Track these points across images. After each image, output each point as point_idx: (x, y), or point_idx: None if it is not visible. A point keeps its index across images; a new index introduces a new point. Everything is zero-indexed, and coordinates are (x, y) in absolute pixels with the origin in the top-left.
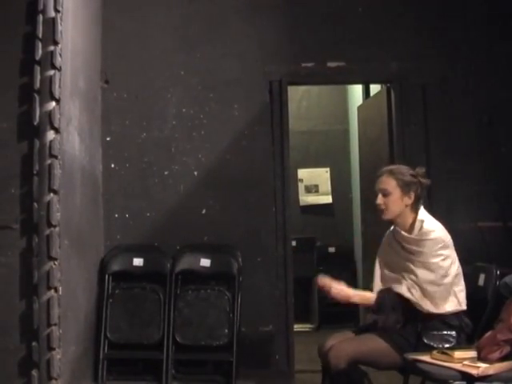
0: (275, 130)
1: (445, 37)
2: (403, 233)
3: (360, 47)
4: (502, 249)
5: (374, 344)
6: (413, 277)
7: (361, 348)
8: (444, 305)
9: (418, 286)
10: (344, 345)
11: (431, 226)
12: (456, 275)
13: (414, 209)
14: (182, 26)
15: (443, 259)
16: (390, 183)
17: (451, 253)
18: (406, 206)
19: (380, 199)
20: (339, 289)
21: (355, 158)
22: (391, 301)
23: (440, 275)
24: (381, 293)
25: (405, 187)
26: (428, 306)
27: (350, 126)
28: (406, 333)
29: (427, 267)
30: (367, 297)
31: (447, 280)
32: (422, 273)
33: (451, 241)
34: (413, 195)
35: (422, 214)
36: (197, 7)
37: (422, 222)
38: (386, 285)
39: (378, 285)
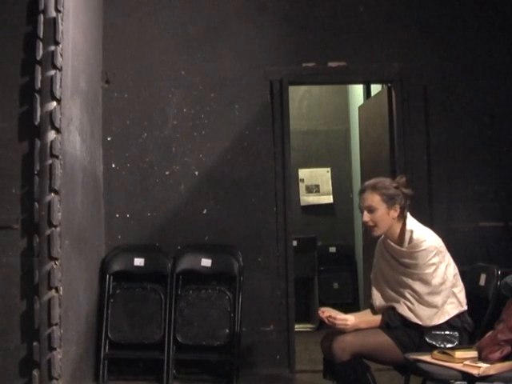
0: (276, 129)
1: (446, 37)
2: (394, 245)
3: (361, 47)
4: (503, 249)
5: (378, 339)
6: (412, 292)
7: (365, 342)
8: (446, 311)
9: (418, 300)
10: (349, 337)
11: (421, 236)
12: (454, 276)
13: (401, 219)
14: (182, 26)
15: (438, 266)
16: (374, 199)
17: (445, 256)
18: (393, 218)
19: (366, 216)
20: (343, 319)
21: (356, 158)
22: (396, 318)
23: (438, 283)
24: (385, 312)
25: (389, 201)
26: (430, 320)
27: (351, 126)
28: (410, 331)
29: (424, 279)
30: (373, 319)
31: (446, 285)
32: (420, 286)
33: (443, 244)
34: (398, 207)
35: (410, 222)
36: (198, 7)
37: (412, 232)
38: (387, 303)
39: (377, 300)
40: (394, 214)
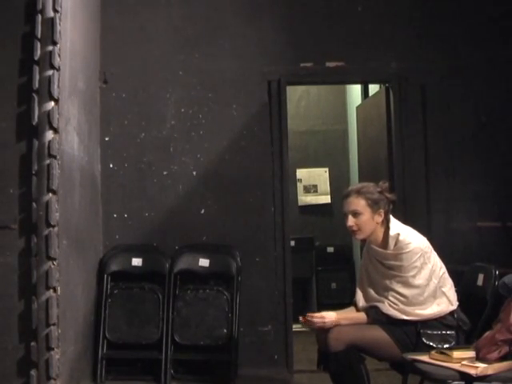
0: (274, 130)
1: (444, 37)
2: (379, 249)
3: (359, 47)
4: (501, 249)
5: (375, 333)
6: (396, 294)
7: (362, 334)
8: (434, 307)
9: (403, 302)
10: (345, 328)
11: (407, 238)
12: (441, 277)
13: (385, 223)
14: (180, 26)
15: (422, 268)
16: (359, 203)
17: (430, 257)
18: (377, 223)
19: (351, 221)
20: (320, 316)
21: (354, 158)
22: (380, 316)
23: (423, 285)
24: (369, 310)
25: (374, 205)
26: (416, 316)
27: (349, 126)
28: (406, 328)
29: (407, 282)
30: (356, 316)
31: (431, 286)
32: (403, 289)
33: (428, 245)
34: (382, 212)
35: (395, 226)
36: (195, 7)
37: (398, 235)
38: (370, 303)
39: (360, 301)
40: (378, 218)
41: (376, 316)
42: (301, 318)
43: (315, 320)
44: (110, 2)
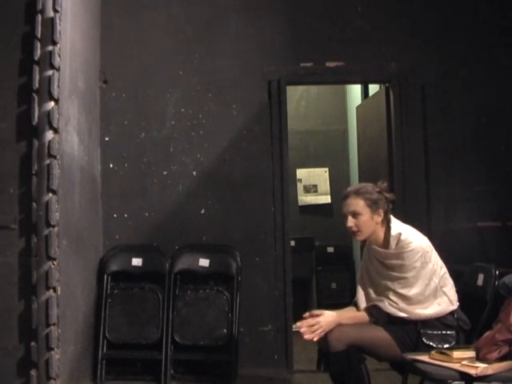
0: (274, 129)
1: (444, 37)
2: (380, 249)
3: (359, 47)
4: (501, 249)
5: (375, 333)
6: (396, 294)
7: (362, 334)
8: (435, 306)
9: (403, 301)
10: (346, 329)
11: (409, 237)
12: (441, 276)
13: (385, 223)
14: (180, 26)
15: (423, 267)
16: (358, 204)
17: (431, 257)
18: (377, 223)
19: (350, 222)
20: (317, 321)
21: (354, 158)
22: (381, 314)
23: (424, 285)
24: (370, 310)
25: (373, 206)
26: (416, 314)
27: (349, 126)
28: (407, 328)
29: (409, 283)
30: (356, 315)
31: (432, 286)
32: (404, 290)
33: (429, 244)
34: (382, 212)
35: (396, 225)
36: (195, 7)
37: (400, 234)
38: (371, 303)
39: (362, 302)
40: (378, 218)
41: (378, 315)
42: (299, 326)
43: (313, 335)
44: (110, 2)
